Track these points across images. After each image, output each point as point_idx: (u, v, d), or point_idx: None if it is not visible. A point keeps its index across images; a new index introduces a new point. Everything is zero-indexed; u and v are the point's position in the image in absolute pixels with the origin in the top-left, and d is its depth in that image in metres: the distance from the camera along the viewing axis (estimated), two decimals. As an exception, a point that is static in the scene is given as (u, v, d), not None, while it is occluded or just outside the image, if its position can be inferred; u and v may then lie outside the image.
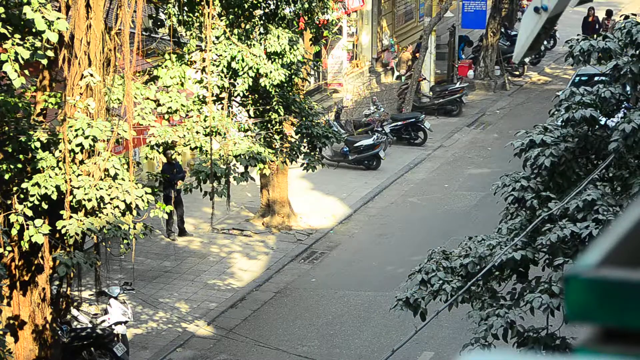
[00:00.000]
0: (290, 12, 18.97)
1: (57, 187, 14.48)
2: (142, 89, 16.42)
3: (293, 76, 18.59)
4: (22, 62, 13.05)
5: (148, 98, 16.43)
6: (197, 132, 16.46)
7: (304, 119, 19.35)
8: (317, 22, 20.53)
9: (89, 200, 14.34)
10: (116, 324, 19.08)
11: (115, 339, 18.97)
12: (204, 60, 17.38)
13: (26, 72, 13.72)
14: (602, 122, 13.39)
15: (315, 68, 30.89)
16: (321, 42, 26.17)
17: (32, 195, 14.48)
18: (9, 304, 16.09)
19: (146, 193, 14.83)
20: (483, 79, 39.84)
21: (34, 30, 13.04)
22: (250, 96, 18.71)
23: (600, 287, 1.84)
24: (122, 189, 14.51)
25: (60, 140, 14.57)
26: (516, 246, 12.65)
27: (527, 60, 39.37)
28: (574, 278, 1.86)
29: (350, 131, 31.68)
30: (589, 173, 12.84)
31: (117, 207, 14.51)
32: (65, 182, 14.46)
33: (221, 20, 17.47)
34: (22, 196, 14.70)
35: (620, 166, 13.01)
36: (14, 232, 14.62)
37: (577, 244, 12.32)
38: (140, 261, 23.81)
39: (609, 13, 39.02)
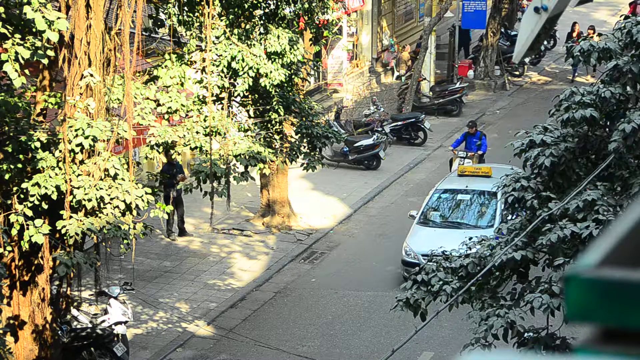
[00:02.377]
0: (290, 12, 18.97)
1: (57, 187, 14.48)
2: (142, 89, 16.42)
3: (293, 76, 18.59)
4: (22, 61, 13.06)
5: (148, 98, 16.42)
6: (197, 132, 16.45)
7: (304, 119, 19.35)
8: (317, 22, 20.53)
9: (89, 200, 14.34)
10: (116, 324, 19.08)
11: (115, 339, 18.97)
12: (204, 60, 17.38)
13: (26, 72, 13.72)
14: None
15: (315, 68, 30.85)
16: (321, 42, 26.15)
17: (32, 195, 14.48)
18: (9, 304, 16.09)
19: (146, 193, 14.83)
20: (483, 79, 39.84)
21: (34, 30, 13.04)
22: (250, 96, 18.71)
23: (600, 287, 1.84)
24: (122, 189, 14.51)
25: (60, 140, 14.57)
26: (516, 246, 12.65)
27: (527, 60, 39.33)
28: (574, 278, 1.86)
29: (350, 131, 31.68)
30: (589, 173, 12.84)
31: (117, 207, 14.51)
32: (65, 182, 14.46)
33: (221, 20, 17.47)
34: (22, 196, 14.70)
35: (620, 166, 13.00)
36: (14, 232, 14.62)
37: (577, 244, 12.32)
38: (140, 261, 23.81)
39: (593, 28, 38.75)
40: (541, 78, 41.63)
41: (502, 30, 40.83)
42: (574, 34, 39.91)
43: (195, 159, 23.84)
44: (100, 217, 14.57)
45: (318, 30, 21.24)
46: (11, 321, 16.19)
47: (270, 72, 17.25)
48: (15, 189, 14.83)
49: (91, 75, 14.42)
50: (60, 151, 14.56)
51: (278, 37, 17.53)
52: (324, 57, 34.81)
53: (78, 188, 14.41)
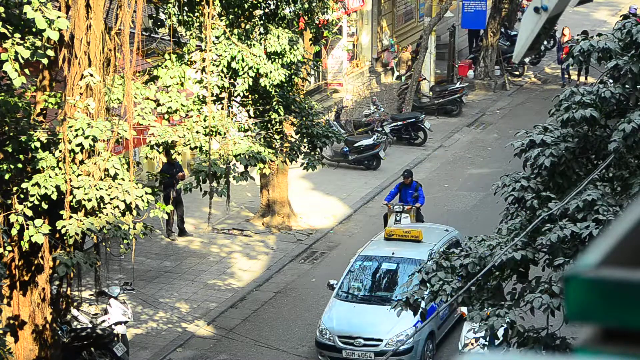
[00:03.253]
0: (290, 12, 18.96)
1: (57, 187, 14.48)
2: (142, 89, 16.42)
3: (293, 76, 18.58)
4: (22, 61, 13.06)
5: (148, 98, 16.42)
6: (197, 132, 16.45)
7: (304, 119, 19.34)
8: (317, 22, 20.52)
9: (89, 200, 14.34)
10: (116, 324, 19.08)
11: (115, 339, 18.97)
12: (204, 60, 17.37)
13: (26, 71, 13.72)
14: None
15: (315, 68, 30.87)
16: (321, 42, 26.16)
17: (32, 195, 14.48)
18: (9, 304, 16.09)
19: (146, 193, 14.83)
20: (483, 79, 39.84)
21: (34, 29, 13.04)
22: (250, 96, 18.70)
23: (600, 287, 1.84)
24: (122, 189, 14.51)
25: (60, 140, 14.57)
26: (516, 246, 12.64)
27: (527, 60, 39.31)
28: (574, 278, 1.86)
29: (350, 131, 31.69)
30: (589, 173, 12.84)
31: (117, 207, 14.51)
32: (65, 182, 14.46)
33: (221, 20, 17.46)
34: (22, 196, 14.70)
35: (620, 166, 13.00)
36: (14, 232, 14.62)
37: (577, 244, 12.32)
38: (140, 261, 23.81)
39: (586, 33, 38.47)
40: (541, 78, 41.62)
41: (502, 30, 40.82)
42: (564, 39, 39.69)
43: (195, 159, 23.84)
44: (100, 217, 14.57)
45: (318, 30, 21.23)
46: (11, 321, 16.19)
47: (270, 72, 17.24)
48: (15, 189, 14.83)
49: (91, 75, 14.42)
50: (60, 151, 14.56)
51: (278, 37, 17.53)
52: (324, 57, 34.81)
53: (78, 188, 14.41)
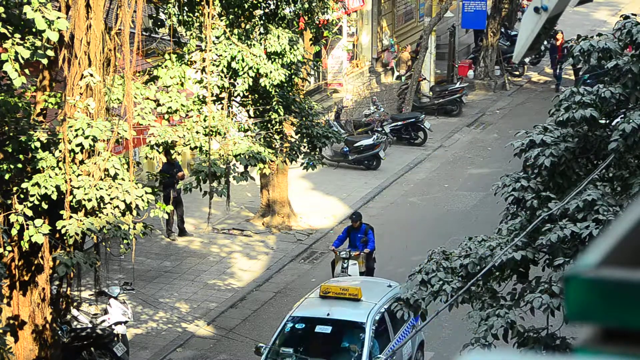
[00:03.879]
0: (290, 12, 18.96)
1: (57, 187, 14.48)
2: (142, 89, 16.42)
3: (293, 76, 18.57)
4: (22, 61, 13.06)
5: (148, 98, 16.42)
6: (197, 132, 16.45)
7: (304, 119, 19.33)
8: (317, 22, 20.52)
9: (89, 200, 14.34)
10: (116, 324, 19.08)
11: (115, 339, 18.98)
12: (204, 60, 17.37)
13: (26, 72, 13.73)
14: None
15: (315, 68, 30.86)
16: (321, 42, 26.15)
17: (32, 195, 14.48)
18: (9, 304, 16.09)
19: (146, 193, 14.83)
20: (483, 79, 39.84)
21: (34, 29, 13.05)
22: (250, 96, 18.70)
23: (600, 287, 1.84)
24: (122, 189, 14.51)
25: (60, 140, 14.57)
26: (516, 246, 12.64)
27: (527, 60, 39.30)
28: (574, 278, 1.86)
29: (350, 131, 31.70)
30: (589, 173, 12.84)
31: (117, 207, 14.51)
32: (65, 182, 14.46)
33: (221, 20, 17.45)
34: (22, 196, 14.70)
35: (620, 166, 13.00)
36: (14, 232, 14.62)
37: (577, 244, 12.32)
38: (140, 261, 23.81)
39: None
40: (541, 78, 41.63)
41: (502, 30, 40.81)
42: (558, 43, 39.57)
43: (195, 159, 23.85)
44: (100, 217, 14.57)
45: (318, 30, 21.23)
46: (11, 321, 16.19)
47: (270, 72, 17.24)
48: (15, 189, 14.83)
49: (91, 75, 14.42)
50: (60, 151, 14.56)
51: (278, 37, 17.52)
52: (324, 57, 34.81)
53: (78, 188, 14.41)
